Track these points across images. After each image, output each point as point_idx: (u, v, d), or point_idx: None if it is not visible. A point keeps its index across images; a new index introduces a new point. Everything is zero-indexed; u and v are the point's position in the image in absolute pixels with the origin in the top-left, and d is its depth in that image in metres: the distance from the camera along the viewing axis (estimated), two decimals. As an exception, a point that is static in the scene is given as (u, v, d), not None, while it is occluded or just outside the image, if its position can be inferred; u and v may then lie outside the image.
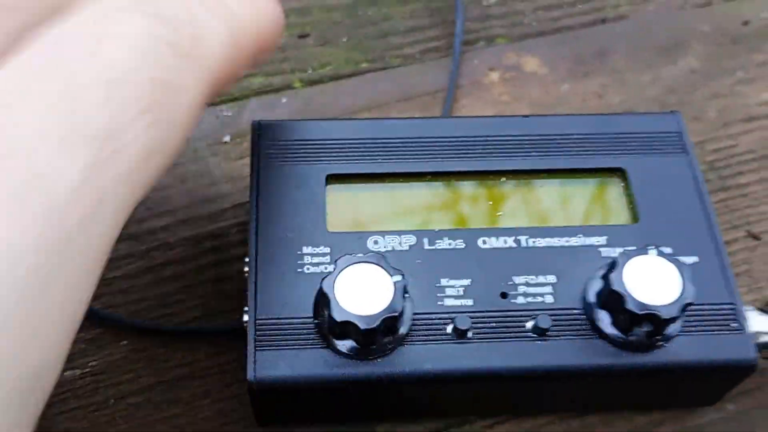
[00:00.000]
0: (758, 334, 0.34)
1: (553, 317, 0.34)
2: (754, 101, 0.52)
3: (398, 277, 0.32)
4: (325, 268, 0.34)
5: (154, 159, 0.23)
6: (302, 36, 0.54)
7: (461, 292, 0.36)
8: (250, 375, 0.32)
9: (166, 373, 0.41)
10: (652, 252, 0.33)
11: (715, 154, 0.50)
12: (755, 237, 0.47)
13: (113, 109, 0.22)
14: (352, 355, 0.33)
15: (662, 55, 0.53)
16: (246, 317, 0.34)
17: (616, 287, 0.32)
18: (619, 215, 0.37)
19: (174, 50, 0.23)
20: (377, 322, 0.31)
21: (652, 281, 0.32)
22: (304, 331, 0.33)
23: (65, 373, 0.40)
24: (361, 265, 0.33)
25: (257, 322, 0.33)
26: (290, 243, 0.35)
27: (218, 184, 0.47)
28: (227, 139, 0.49)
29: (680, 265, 0.32)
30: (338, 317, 0.32)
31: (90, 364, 0.40)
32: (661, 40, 0.54)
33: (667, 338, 0.33)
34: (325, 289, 0.32)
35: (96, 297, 0.41)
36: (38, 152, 0.20)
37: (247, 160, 0.43)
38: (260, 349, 0.33)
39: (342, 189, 0.37)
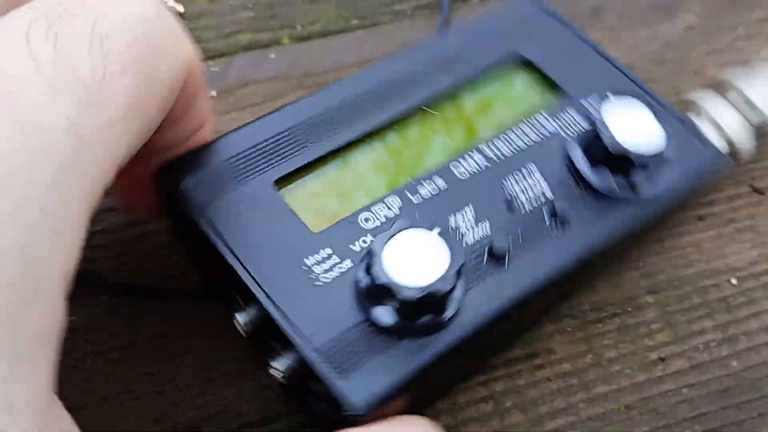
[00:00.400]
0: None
1: (564, 202, 0.35)
2: (754, 57, 0.51)
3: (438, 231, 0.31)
4: (340, 268, 0.32)
5: (137, 114, 0.24)
6: (292, -7, 0.50)
7: (474, 223, 0.35)
8: (357, 407, 0.29)
9: (145, 330, 0.39)
10: (625, 99, 0.35)
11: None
12: (759, 192, 0.47)
13: (100, 58, 0.23)
14: (426, 329, 0.32)
15: (659, 12, 0.53)
16: (282, 364, 0.33)
17: (608, 143, 0.35)
18: (547, 97, 0.38)
19: (161, 18, 0.26)
20: (449, 284, 0.30)
21: (633, 125, 0.35)
22: (366, 333, 0.31)
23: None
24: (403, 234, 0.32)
25: (320, 354, 0.30)
26: (289, 264, 0.32)
27: (203, 139, 0.43)
28: (213, 93, 0.48)
29: (649, 105, 0.35)
30: (414, 294, 0.30)
31: (70, 318, 0.37)
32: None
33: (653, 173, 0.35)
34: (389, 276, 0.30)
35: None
36: (30, 93, 0.21)
37: (235, 115, 0.44)
38: (344, 377, 0.30)
39: (297, 187, 0.34)
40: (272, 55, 0.50)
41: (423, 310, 0.31)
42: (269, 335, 0.33)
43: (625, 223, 0.36)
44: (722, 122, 0.40)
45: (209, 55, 0.49)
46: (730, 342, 0.41)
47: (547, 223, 0.36)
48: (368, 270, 0.31)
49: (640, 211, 0.35)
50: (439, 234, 0.31)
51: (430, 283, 0.30)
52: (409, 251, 0.31)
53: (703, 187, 0.38)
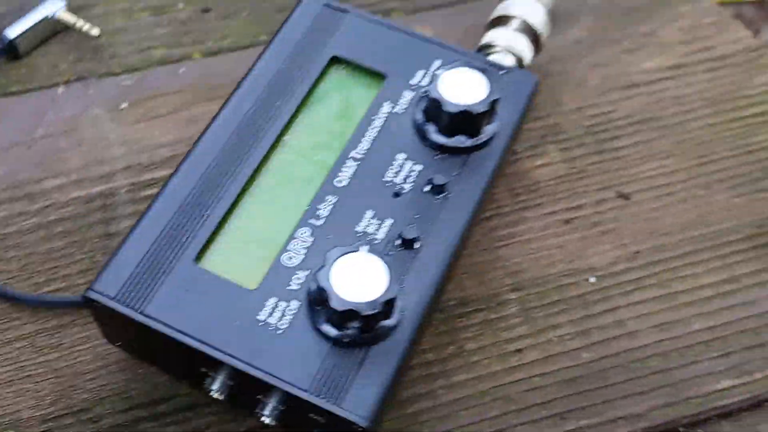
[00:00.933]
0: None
1: (434, 172, 0.40)
2: (635, 69, 0.54)
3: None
4: (291, 310, 0.36)
5: None
6: (205, 11, 0.56)
7: (377, 220, 0.39)
8: (363, 423, 0.33)
9: (49, 321, 0.44)
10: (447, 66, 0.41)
11: (593, 119, 0.52)
12: (625, 197, 0.50)
13: None
14: (385, 333, 0.36)
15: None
16: (271, 412, 0.36)
17: (433, 95, 0.40)
18: (379, 85, 0.42)
19: None
20: (393, 293, 0.35)
21: (460, 85, 0.41)
22: (339, 356, 0.36)
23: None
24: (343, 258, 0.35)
25: (311, 392, 0.35)
26: (245, 325, 0.35)
27: (113, 146, 0.49)
28: (125, 105, 0.51)
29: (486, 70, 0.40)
30: (372, 309, 0.34)
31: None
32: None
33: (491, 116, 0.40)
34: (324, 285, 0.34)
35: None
36: None
37: (143, 125, 0.49)
38: (340, 402, 0.35)
39: (215, 255, 0.37)
40: (182, 69, 0.53)
41: (378, 319, 0.35)
42: (248, 392, 0.36)
43: (487, 166, 0.41)
44: (515, 46, 0.46)
45: (124, 69, 0.53)
46: (583, 335, 0.45)
47: (431, 195, 0.40)
48: (321, 302, 0.35)
49: (493, 151, 0.41)
50: (368, 251, 0.35)
51: (380, 295, 0.35)
52: (351, 274, 0.35)
53: (529, 107, 0.44)
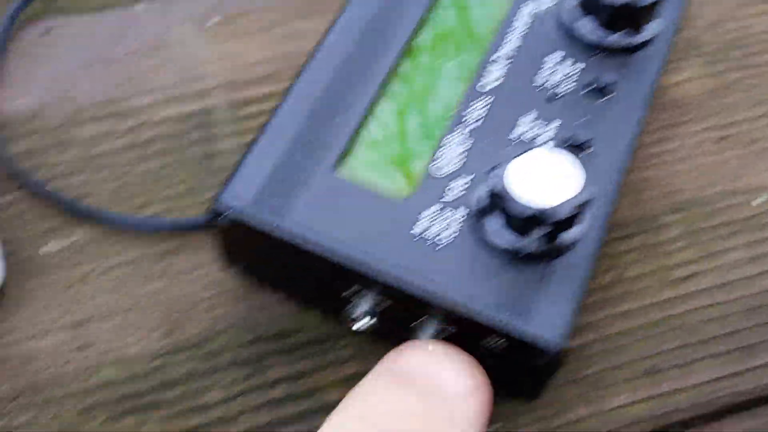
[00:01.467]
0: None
1: (596, 72, 0.36)
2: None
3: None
4: (453, 221, 0.32)
5: None
6: None
7: (537, 124, 0.35)
8: (553, 345, 0.29)
9: (152, 246, 0.38)
10: None
11: (733, 33, 0.48)
12: None
13: None
14: (571, 244, 0.32)
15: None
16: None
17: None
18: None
19: None
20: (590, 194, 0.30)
21: None
22: (517, 271, 0.31)
23: (47, 245, 0.38)
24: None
25: (491, 310, 0.30)
26: (400, 240, 0.31)
27: (204, 64, 0.44)
28: (214, 21, 0.46)
29: None
30: (563, 212, 0.29)
31: (73, 237, 0.37)
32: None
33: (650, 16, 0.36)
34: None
35: (78, 171, 0.39)
36: None
37: (236, 42, 0.44)
38: (526, 323, 0.30)
39: (356, 163, 0.33)
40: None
41: (566, 227, 0.30)
42: (401, 317, 0.32)
43: (651, 67, 0.37)
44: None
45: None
46: (758, 261, 0.40)
47: (594, 97, 0.35)
48: (496, 209, 0.30)
49: (655, 52, 0.37)
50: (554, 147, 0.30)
51: (574, 197, 0.29)
52: (533, 175, 0.30)
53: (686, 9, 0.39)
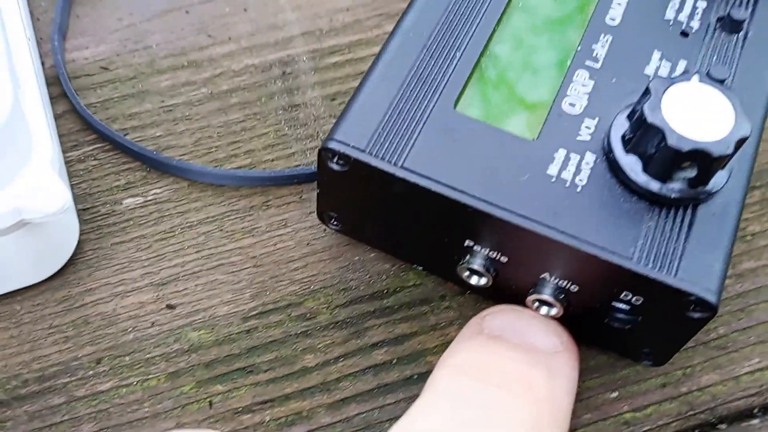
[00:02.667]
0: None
1: (726, 7, 0.33)
2: None
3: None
4: (587, 163, 0.29)
5: None
6: None
7: (668, 61, 0.32)
8: (711, 299, 0.27)
9: (237, 202, 0.36)
10: None
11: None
12: None
13: None
14: (715, 189, 0.29)
15: None
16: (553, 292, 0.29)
17: None
18: None
19: None
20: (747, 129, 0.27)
21: None
22: (661, 216, 0.28)
23: (125, 201, 0.35)
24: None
25: (640, 261, 0.27)
26: (535, 182, 0.28)
27: (284, 11, 0.41)
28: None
29: None
30: (723, 151, 0.26)
31: (152, 192, 0.34)
32: None
33: None
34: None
35: (154, 123, 0.37)
36: None
37: None
38: (676, 274, 0.27)
39: (477, 102, 0.30)
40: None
41: (716, 168, 0.27)
42: (528, 269, 0.29)
43: None
44: None
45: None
46: None
47: (726, 34, 0.33)
48: (648, 144, 0.27)
49: None
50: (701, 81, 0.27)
51: (729, 133, 0.27)
52: (685, 109, 0.27)
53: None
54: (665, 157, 0.26)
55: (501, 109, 0.30)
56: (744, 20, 0.32)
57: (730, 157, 0.26)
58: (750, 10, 0.33)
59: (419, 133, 0.29)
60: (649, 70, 0.31)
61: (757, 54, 0.32)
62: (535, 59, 0.32)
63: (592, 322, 0.29)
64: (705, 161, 0.26)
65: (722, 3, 0.33)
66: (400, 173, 0.28)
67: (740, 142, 0.26)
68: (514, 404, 0.25)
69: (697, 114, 0.26)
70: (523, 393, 0.26)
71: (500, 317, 0.28)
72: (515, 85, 0.31)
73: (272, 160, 0.37)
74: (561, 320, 0.29)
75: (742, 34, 0.32)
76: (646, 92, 0.27)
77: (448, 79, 0.30)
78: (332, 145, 0.28)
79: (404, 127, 0.29)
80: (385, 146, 0.29)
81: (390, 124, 0.29)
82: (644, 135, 0.27)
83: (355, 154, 0.28)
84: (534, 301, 0.29)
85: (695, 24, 0.33)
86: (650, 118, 0.26)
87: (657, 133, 0.26)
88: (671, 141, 0.26)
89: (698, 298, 0.26)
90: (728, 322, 0.34)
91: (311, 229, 0.35)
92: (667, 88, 0.27)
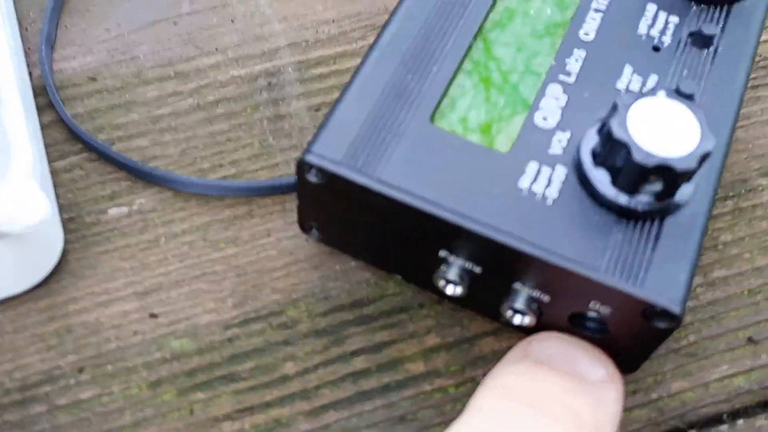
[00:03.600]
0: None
1: (697, 23, 0.33)
2: None
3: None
4: (558, 177, 0.29)
5: None
6: None
7: (639, 76, 0.33)
8: (673, 309, 0.27)
9: (221, 212, 0.36)
10: None
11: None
12: None
13: None
14: (681, 202, 0.29)
15: None
16: (524, 304, 0.30)
17: None
18: None
19: None
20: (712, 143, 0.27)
21: None
22: (629, 231, 0.29)
23: (110, 211, 0.35)
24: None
25: (607, 271, 0.28)
26: (505, 194, 0.29)
27: (271, 22, 0.42)
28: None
29: None
30: (689, 165, 0.27)
31: (137, 201, 0.35)
32: None
33: None
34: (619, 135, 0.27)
35: (141, 133, 0.38)
36: None
37: (302, 0, 0.38)
38: (640, 284, 0.28)
39: (453, 114, 0.31)
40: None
41: (683, 181, 0.28)
42: (501, 279, 0.30)
43: (755, 18, 0.34)
44: None
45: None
46: None
47: (697, 49, 0.33)
48: (615, 158, 0.28)
49: (757, 1, 0.34)
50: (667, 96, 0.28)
51: (694, 148, 0.27)
52: (650, 124, 0.28)
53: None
54: (632, 172, 0.27)
55: (475, 122, 0.31)
56: (714, 36, 0.33)
57: (694, 171, 0.27)
58: (720, 25, 0.34)
59: (396, 146, 0.29)
60: (621, 85, 0.32)
61: (726, 68, 0.32)
62: (510, 73, 0.32)
63: (564, 331, 0.30)
64: (670, 176, 0.27)
65: (694, 19, 0.34)
66: (376, 186, 0.28)
67: (704, 157, 0.27)
68: (558, 430, 0.25)
69: (662, 129, 0.27)
70: (569, 420, 0.25)
71: (547, 344, 0.28)
72: (490, 98, 0.31)
73: (257, 171, 0.37)
74: (534, 329, 0.30)
75: (712, 49, 0.33)
76: (614, 107, 0.28)
77: (424, 93, 0.31)
78: (309, 158, 0.29)
79: (381, 140, 0.29)
80: (362, 159, 0.29)
81: (367, 137, 0.30)
82: (612, 149, 0.27)
83: (331, 167, 0.29)
84: (507, 309, 0.30)
85: (667, 39, 0.33)
86: (616, 133, 0.27)
87: (623, 147, 0.27)
88: (636, 156, 0.26)
89: (662, 309, 0.27)
90: (699, 329, 0.34)
91: (294, 239, 0.35)
92: (634, 103, 0.27)
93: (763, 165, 0.39)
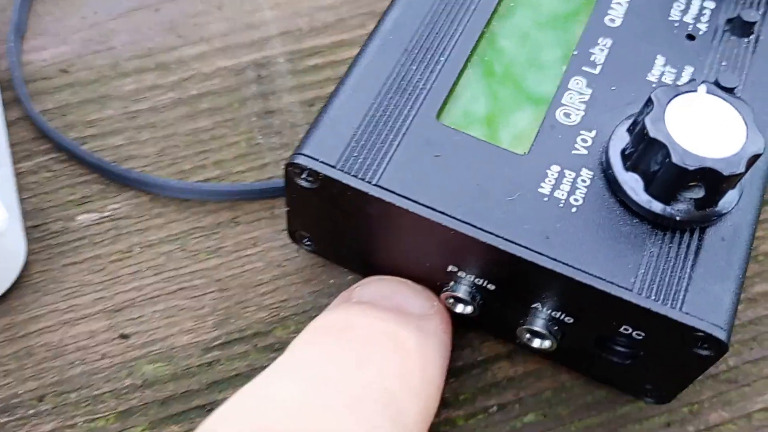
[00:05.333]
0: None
1: (735, 8, 0.30)
2: None
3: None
4: (583, 181, 0.26)
5: None
6: None
7: (672, 68, 0.29)
8: (719, 335, 0.24)
9: (203, 218, 0.33)
10: None
11: None
12: None
13: None
14: (724, 210, 0.26)
15: None
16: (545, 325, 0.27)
17: None
18: None
19: None
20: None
21: None
22: (664, 242, 0.26)
23: (79, 217, 0.32)
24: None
25: (642, 292, 0.25)
26: (524, 202, 0.26)
27: (261, 9, 0.39)
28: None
29: None
30: (735, 169, 0.23)
31: (110, 207, 0.31)
32: None
33: None
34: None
35: (117, 131, 0.34)
36: None
37: None
38: (680, 307, 0.24)
39: (463, 113, 0.28)
40: None
41: (725, 187, 0.24)
42: (517, 298, 0.26)
43: None
44: None
45: None
46: None
47: (736, 37, 0.30)
48: (650, 160, 0.25)
49: None
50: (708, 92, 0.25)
51: (740, 150, 0.24)
52: (689, 123, 0.24)
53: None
54: (669, 176, 0.24)
55: (488, 120, 0.27)
56: (755, 22, 0.29)
57: (741, 175, 0.23)
58: (762, 11, 0.30)
59: (397, 147, 0.26)
60: (653, 77, 0.28)
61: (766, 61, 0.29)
62: (526, 65, 0.29)
63: (589, 356, 0.27)
64: (713, 180, 0.23)
65: (732, 4, 0.30)
66: (375, 192, 0.25)
67: (753, 159, 0.23)
68: (380, 356, 0.24)
69: (704, 128, 0.24)
70: (390, 347, 0.24)
71: (369, 286, 0.27)
72: (505, 94, 0.28)
73: (243, 172, 0.34)
74: (555, 352, 0.27)
75: (753, 37, 0.30)
76: (648, 102, 0.24)
77: (430, 87, 0.27)
78: (300, 160, 0.26)
79: (381, 140, 0.26)
80: (359, 161, 0.26)
81: (365, 137, 0.26)
82: (646, 151, 0.24)
83: (324, 170, 0.26)
84: (525, 332, 0.27)
85: (702, 26, 0.30)
86: (652, 132, 0.24)
87: (660, 148, 0.23)
88: (676, 158, 0.23)
89: (706, 335, 0.23)
90: (739, 352, 0.31)
91: (283, 249, 0.32)
92: (672, 98, 0.24)
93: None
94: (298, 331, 0.28)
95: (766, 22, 0.30)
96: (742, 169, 0.23)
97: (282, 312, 0.31)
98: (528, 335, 0.27)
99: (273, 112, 0.35)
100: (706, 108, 0.24)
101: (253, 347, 0.30)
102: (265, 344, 0.30)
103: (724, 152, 0.23)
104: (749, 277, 0.32)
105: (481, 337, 0.30)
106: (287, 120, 0.34)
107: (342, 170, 0.26)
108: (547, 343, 0.26)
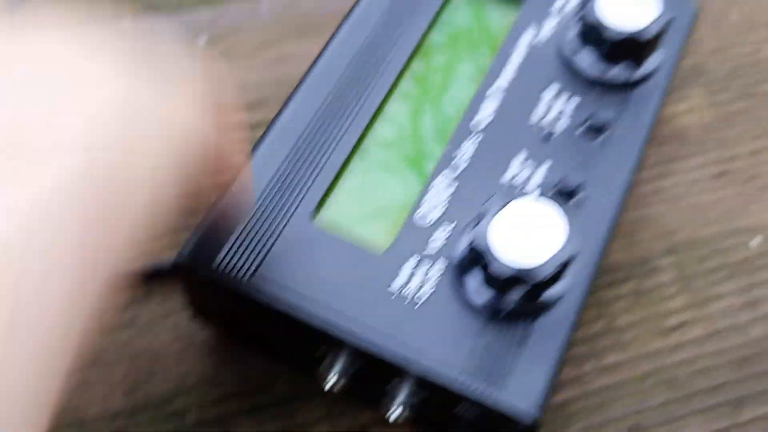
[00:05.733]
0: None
1: (590, 109, 0.34)
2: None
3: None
4: (430, 277, 0.30)
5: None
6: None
7: (528, 167, 0.33)
8: (528, 414, 0.28)
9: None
10: None
11: (737, 60, 0.45)
12: None
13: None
14: (552, 302, 0.30)
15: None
16: (401, 404, 0.30)
17: (591, 18, 0.34)
18: (509, 9, 0.36)
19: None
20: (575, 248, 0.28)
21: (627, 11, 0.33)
22: (495, 332, 0.29)
23: None
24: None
25: (466, 377, 0.28)
26: (376, 298, 0.29)
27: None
28: (202, 42, 0.44)
29: None
30: (547, 271, 0.28)
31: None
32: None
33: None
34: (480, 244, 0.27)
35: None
36: None
37: (222, 65, 0.40)
38: (500, 389, 0.28)
39: (335, 211, 0.31)
40: (266, 2, 0.46)
41: (549, 285, 0.28)
42: (375, 379, 0.30)
43: (650, 104, 0.35)
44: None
45: (200, 1, 0.46)
46: (751, 307, 0.38)
47: (589, 138, 0.33)
48: (475, 265, 0.29)
49: (655, 86, 0.35)
50: (539, 198, 0.29)
51: (555, 254, 0.28)
52: (517, 228, 0.28)
53: (688, 39, 0.37)
54: (492, 279, 0.28)
55: (358, 220, 0.31)
56: (609, 121, 0.33)
57: (554, 278, 0.27)
58: (615, 111, 0.34)
59: (273, 247, 0.30)
60: (508, 177, 0.32)
61: (617, 154, 0.33)
62: (401, 164, 0.32)
63: (442, 426, 0.30)
64: (528, 284, 0.27)
65: (592, 103, 0.34)
66: (245, 290, 0.29)
67: (567, 262, 0.27)
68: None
69: (526, 235, 0.28)
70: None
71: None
72: (377, 192, 0.32)
73: (161, 248, 0.37)
74: (415, 423, 0.30)
75: (606, 133, 0.33)
76: (480, 214, 0.28)
77: (309, 188, 0.31)
78: (182, 260, 0.29)
79: (258, 240, 0.30)
80: (235, 261, 0.29)
81: (245, 237, 0.30)
82: (475, 257, 0.28)
83: (201, 270, 0.29)
84: (385, 406, 0.30)
85: (562, 125, 0.33)
86: (475, 242, 0.28)
87: (481, 257, 0.27)
88: (491, 267, 0.27)
89: (517, 417, 0.27)
90: (586, 416, 0.35)
91: (191, 324, 0.35)
92: (503, 206, 0.28)
93: (667, 244, 0.39)
94: (198, 400, 0.33)
95: (621, 118, 0.34)
96: (550, 274, 0.27)
97: (187, 382, 0.34)
98: (390, 408, 0.30)
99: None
100: (534, 213, 0.28)
101: (157, 414, 0.34)
102: (169, 411, 0.34)
103: (538, 259, 0.27)
104: (605, 347, 0.37)
105: (362, 405, 0.34)
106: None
107: (218, 269, 0.29)
108: (406, 414, 0.30)
